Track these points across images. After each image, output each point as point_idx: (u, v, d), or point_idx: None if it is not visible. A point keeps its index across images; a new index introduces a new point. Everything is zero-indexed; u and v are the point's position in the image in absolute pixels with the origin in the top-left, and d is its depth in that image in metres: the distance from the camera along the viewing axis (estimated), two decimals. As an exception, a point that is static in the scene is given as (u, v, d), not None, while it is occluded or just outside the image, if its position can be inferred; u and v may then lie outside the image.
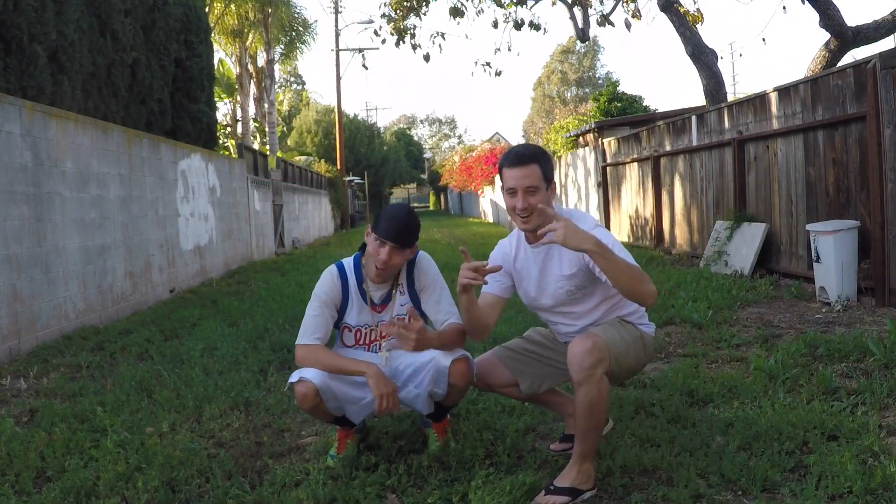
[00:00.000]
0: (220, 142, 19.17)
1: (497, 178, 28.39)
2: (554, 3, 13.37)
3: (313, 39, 24.68)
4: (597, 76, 60.84)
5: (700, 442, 2.93)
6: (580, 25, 13.27)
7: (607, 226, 13.63)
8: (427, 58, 13.38)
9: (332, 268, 2.94)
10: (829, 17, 9.52)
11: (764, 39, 22.24)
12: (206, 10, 14.24)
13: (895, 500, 2.33)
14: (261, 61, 22.40)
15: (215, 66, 14.72)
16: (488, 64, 14.01)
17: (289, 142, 39.24)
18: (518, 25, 13.36)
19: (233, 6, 19.46)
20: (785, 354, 4.13)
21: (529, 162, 2.60)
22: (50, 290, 5.89)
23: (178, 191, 9.34)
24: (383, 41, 13.66)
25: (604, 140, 13.84)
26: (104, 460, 2.96)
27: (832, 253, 5.82)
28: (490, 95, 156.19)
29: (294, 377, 2.79)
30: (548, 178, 2.63)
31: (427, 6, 13.38)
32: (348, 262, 2.97)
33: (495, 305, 2.83)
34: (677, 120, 10.21)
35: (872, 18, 9.99)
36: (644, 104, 18.30)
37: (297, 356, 2.82)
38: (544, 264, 2.74)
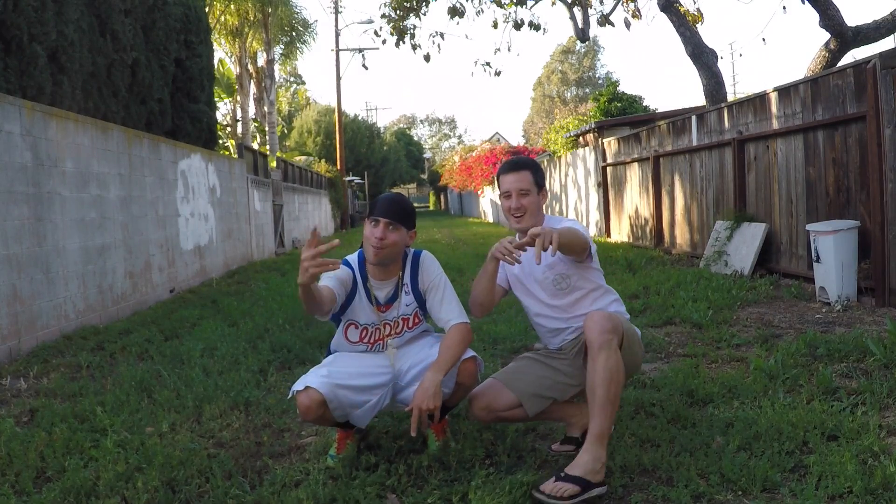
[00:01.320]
0: (220, 142, 19.17)
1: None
2: (553, 3, 13.38)
3: (313, 39, 24.71)
4: (597, 76, 60.89)
5: (700, 442, 2.93)
6: (580, 25, 13.28)
7: (607, 226, 13.64)
8: (427, 58, 13.39)
9: (338, 262, 2.94)
10: (829, 17, 9.53)
11: (764, 39, 22.21)
12: (206, 10, 14.25)
13: (895, 500, 2.33)
14: (261, 61, 22.42)
15: (215, 66, 14.72)
16: (488, 64, 14.02)
17: (289, 142, 39.24)
18: (518, 25, 13.37)
19: (233, 6, 19.46)
20: (785, 354, 4.14)
21: (522, 168, 2.94)
22: (50, 290, 5.89)
23: (178, 191, 9.34)
24: (383, 41, 13.67)
25: (604, 140, 13.84)
26: (104, 460, 2.96)
27: (832, 253, 5.82)
28: (490, 95, 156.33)
29: (299, 385, 2.70)
30: (539, 185, 2.94)
31: (427, 6, 13.39)
32: (353, 258, 2.97)
33: (497, 292, 3.03)
34: (677, 120, 10.21)
35: (872, 18, 10.00)
36: (644, 104, 18.32)
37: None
38: (532, 258, 2.87)
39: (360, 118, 48.95)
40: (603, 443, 2.53)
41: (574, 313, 2.90)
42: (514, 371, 3.00)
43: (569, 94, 60.56)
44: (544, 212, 3.00)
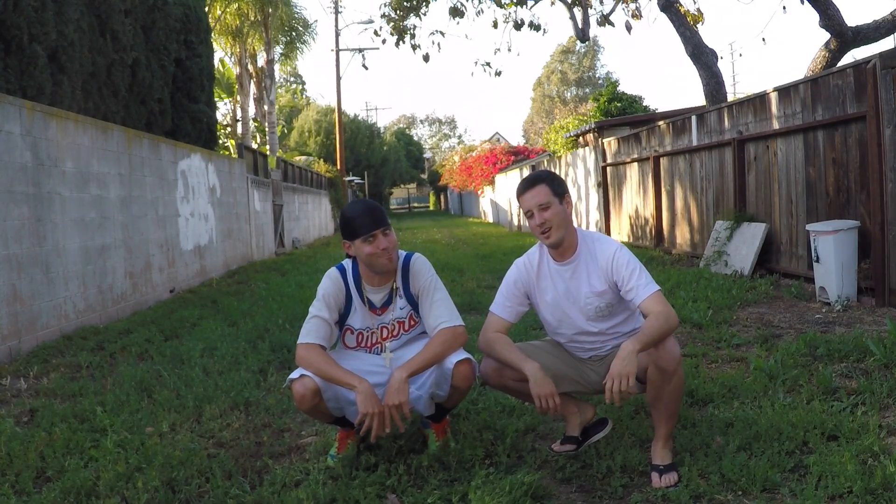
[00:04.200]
0: (220, 142, 19.15)
1: (496, 178, 28.44)
2: (553, 3, 13.38)
3: (313, 39, 24.69)
4: (597, 76, 60.88)
5: (700, 442, 2.93)
6: (580, 25, 13.27)
7: (607, 226, 13.64)
8: (427, 58, 13.39)
9: (334, 271, 2.95)
10: (829, 17, 9.53)
11: (764, 39, 22.29)
12: (206, 10, 14.25)
13: (895, 500, 2.33)
14: (261, 61, 22.40)
15: (215, 66, 14.72)
16: (488, 64, 14.02)
17: (289, 142, 39.23)
18: (518, 26, 13.37)
19: (233, 6, 19.45)
20: (785, 354, 4.14)
21: (537, 184, 2.82)
22: (50, 290, 5.89)
23: (178, 191, 9.34)
24: (383, 41, 13.68)
25: (604, 140, 13.84)
26: (104, 460, 2.96)
27: (832, 253, 5.82)
28: (490, 95, 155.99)
29: (295, 373, 2.78)
30: (559, 194, 2.81)
31: (427, 6, 13.39)
32: (347, 263, 2.97)
33: (502, 330, 2.94)
34: (677, 120, 10.21)
35: (872, 18, 10.00)
36: (644, 104, 18.31)
37: (297, 356, 2.82)
38: (572, 280, 2.86)
39: (360, 118, 48.96)
40: (671, 437, 2.79)
41: (612, 335, 2.90)
42: (540, 348, 3.00)
43: (569, 94, 60.55)
44: (573, 221, 2.89)
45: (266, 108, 22.29)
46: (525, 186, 2.84)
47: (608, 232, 13.63)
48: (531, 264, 2.95)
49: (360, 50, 26.25)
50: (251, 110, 22.82)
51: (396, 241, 2.86)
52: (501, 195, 27.38)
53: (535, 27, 13.52)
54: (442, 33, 13.47)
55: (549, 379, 2.69)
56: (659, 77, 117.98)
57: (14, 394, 4.34)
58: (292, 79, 48.96)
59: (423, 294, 2.91)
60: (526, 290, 2.94)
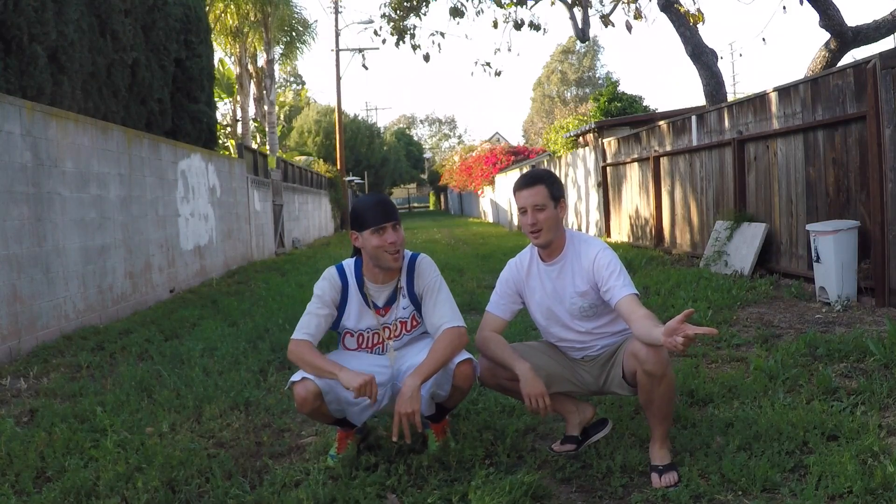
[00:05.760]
0: (220, 142, 19.16)
1: (496, 178, 28.44)
2: (553, 3, 13.37)
3: (313, 39, 24.66)
4: (597, 76, 60.87)
5: (700, 442, 2.93)
6: (580, 25, 13.27)
7: (607, 226, 13.64)
8: (427, 58, 13.38)
9: (332, 269, 2.95)
10: (829, 17, 9.52)
11: (764, 39, 22.27)
12: (207, 10, 14.24)
13: (895, 500, 2.33)
14: (261, 61, 22.39)
15: (215, 66, 14.71)
16: (488, 64, 14.00)
17: (289, 142, 39.22)
18: (518, 26, 13.36)
19: (233, 6, 19.45)
20: (785, 354, 4.14)
21: (537, 183, 2.85)
22: (50, 290, 5.89)
23: (178, 191, 9.34)
24: (383, 41, 13.67)
25: (604, 140, 13.84)
26: (104, 460, 2.96)
27: (832, 253, 5.82)
28: (490, 95, 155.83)
29: (297, 376, 2.77)
30: (555, 198, 2.85)
31: (427, 6, 13.38)
32: (349, 263, 2.97)
33: (498, 328, 2.99)
34: (677, 120, 10.21)
35: (872, 18, 10.00)
36: (644, 104, 18.31)
37: (288, 350, 2.83)
38: (558, 280, 2.91)
39: (360, 118, 48.94)
40: (667, 437, 2.78)
41: (600, 334, 2.93)
42: (534, 348, 3.01)
43: (569, 94, 60.55)
44: (564, 225, 2.94)
45: (266, 108, 22.26)
46: (524, 184, 2.86)
47: (608, 232, 13.64)
48: (521, 264, 3.01)
49: (360, 50, 26.21)
50: (251, 110, 22.81)
51: (404, 237, 2.87)
52: (501, 195, 27.38)
53: (535, 27, 13.50)
54: (442, 34, 13.47)
55: (539, 379, 2.71)
56: (659, 77, 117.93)
57: (14, 394, 4.34)
58: (292, 78, 48.96)
59: (427, 293, 2.91)
60: (517, 288, 3.00)
